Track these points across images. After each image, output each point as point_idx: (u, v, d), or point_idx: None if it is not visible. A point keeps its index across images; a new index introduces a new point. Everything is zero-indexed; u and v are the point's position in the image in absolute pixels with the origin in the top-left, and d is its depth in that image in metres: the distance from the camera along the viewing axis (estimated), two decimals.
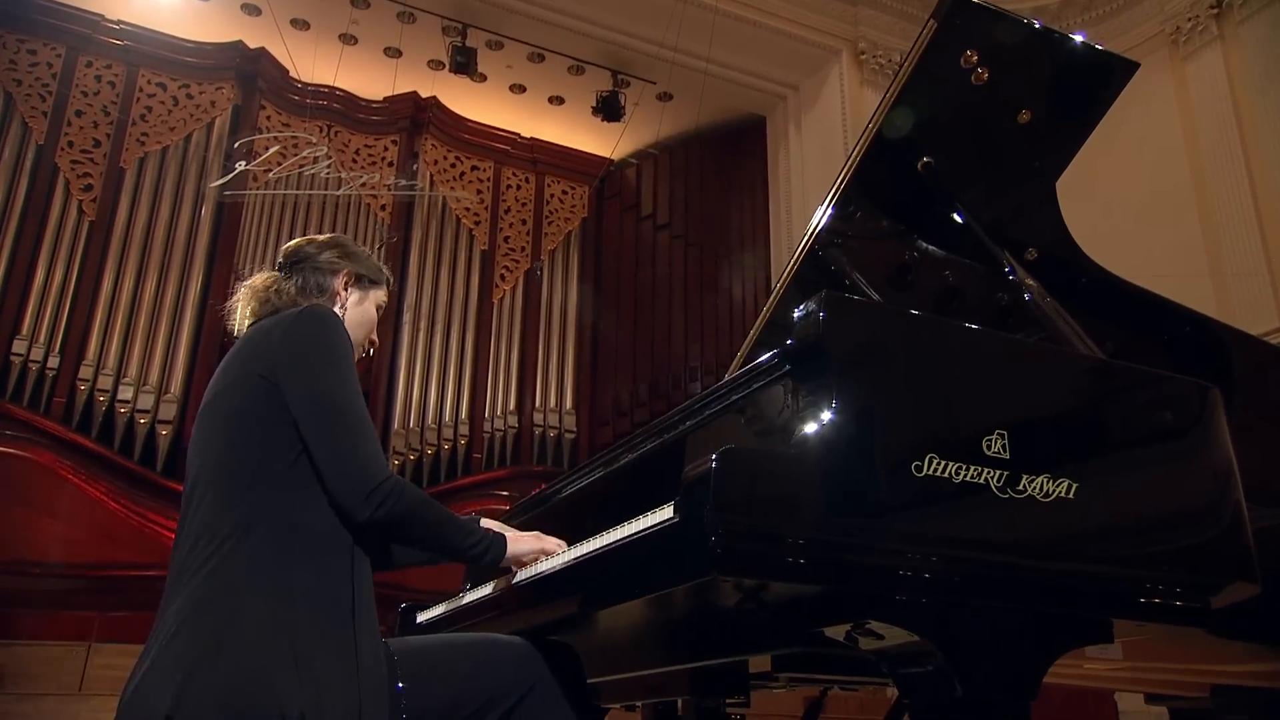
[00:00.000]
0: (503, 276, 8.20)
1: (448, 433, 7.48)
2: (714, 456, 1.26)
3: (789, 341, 1.43)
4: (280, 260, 1.80)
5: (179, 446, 6.68)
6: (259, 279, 1.77)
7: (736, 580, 1.27)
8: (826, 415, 1.33)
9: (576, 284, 8.36)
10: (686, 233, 8.43)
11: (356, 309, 1.80)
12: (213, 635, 1.35)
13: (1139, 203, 6.83)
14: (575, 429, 7.91)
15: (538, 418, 7.82)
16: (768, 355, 1.49)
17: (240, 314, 1.73)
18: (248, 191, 7.28)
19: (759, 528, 1.24)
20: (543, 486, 7.31)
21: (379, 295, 1.84)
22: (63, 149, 7.03)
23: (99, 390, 6.58)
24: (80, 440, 6.39)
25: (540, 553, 1.73)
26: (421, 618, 2.24)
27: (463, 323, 7.87)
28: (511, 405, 7.78)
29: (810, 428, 1.34)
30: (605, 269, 8.49)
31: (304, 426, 1.48)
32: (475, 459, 7.54)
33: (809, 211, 7.31)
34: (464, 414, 7.60)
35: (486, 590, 1.91)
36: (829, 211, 2.49)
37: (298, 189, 7.48)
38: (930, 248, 2.62)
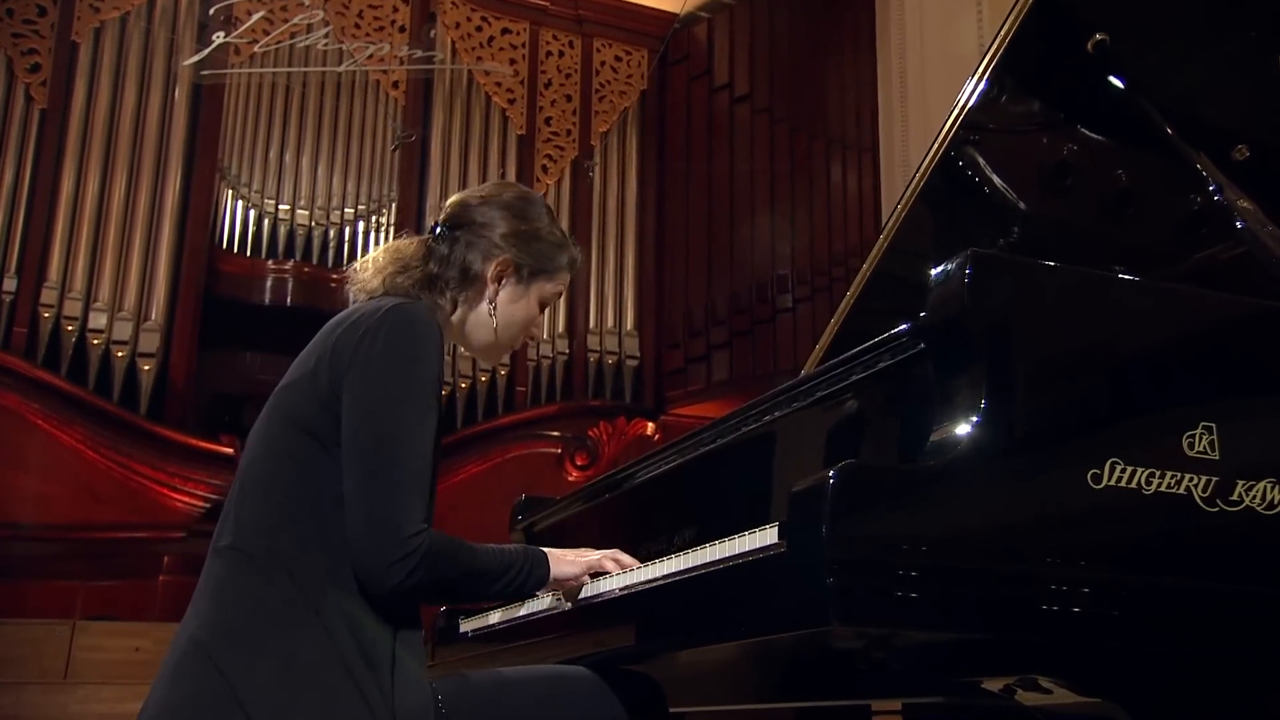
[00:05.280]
0: (545, 168, 8.12)
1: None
2: (831, 472, 1.25)
3: (923, 314, 1.39)
4: (440, 217, 1.81)
5: (165, 384, 6.83)
6: (405, 243, 1.77)
7: (860, 629, 1.24)
8: (974, 413, 1.32)
9: (635, 174, 8.25)
10: (771, 106, 8.21)
11: (509, 308, 1.77)
12: (231, 678, 1.41)
13: None
14: (638, 354, 7.91)
15: (592, 341, 7.83)
16: (899, 329, 1.44)
17: (359, 277, 1.73)
18: (229, 70, 7.25)
19: (890, 563, 1.23)
20: (599, 424, 7.28)
21: (549, 289, 1.82)
22: (0, 19, 7.04)
23: (66, 318, 6.72)
24: (48, 378, 6.55)
25: (587, 573, 1.76)
26: (466, 627, 2.28)
27: None
28: (560, 327, 7.79)
29: (954, 429, 1.33)
30: (671, 155, 8.36)
31: (346, 458, 1.50)
32: (518, 393, 7.60)
33: (927, 76, 7.12)
34: None
35: (544, 603, 1.94)
36: (969, 99, 2.42)
37: (290, 65, 7.43)
38: (1098, 139, 2.55)
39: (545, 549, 1.73)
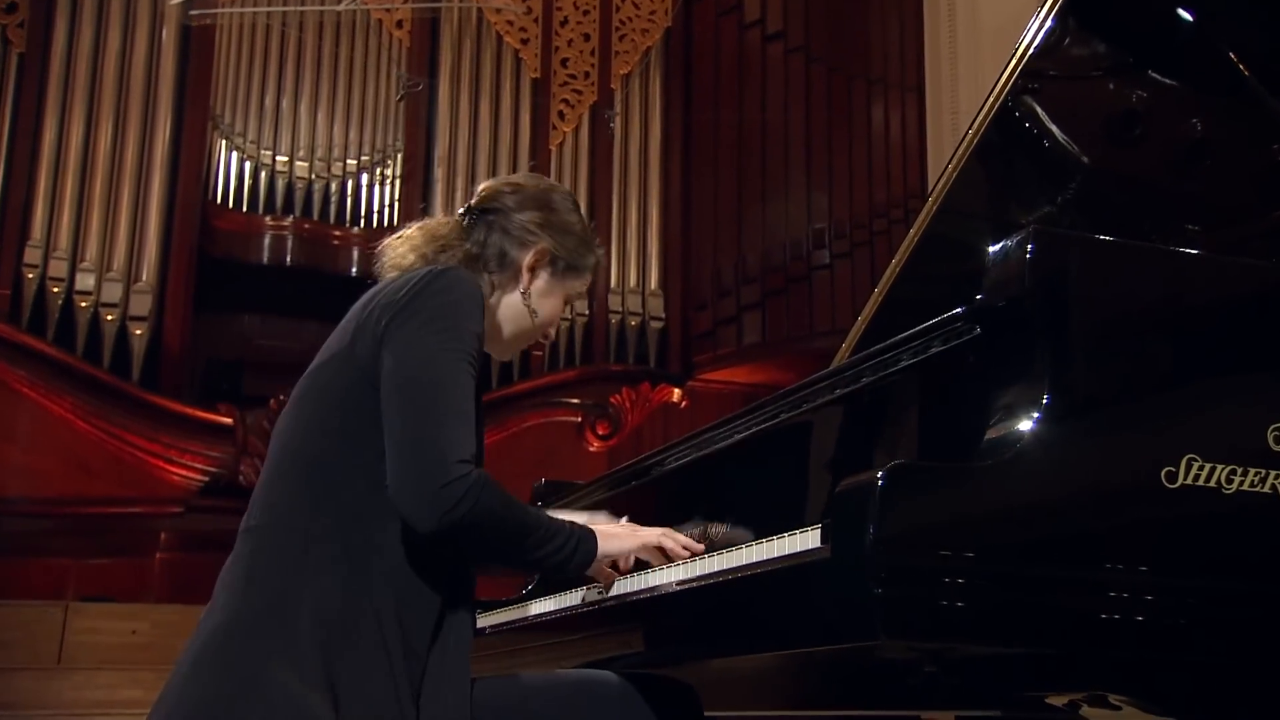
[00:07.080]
0: (561, 114, 8.09)
1: None
2: (879, 472, 1.23)
3: (979, 296, 1.38)
4: (471, 202, 1.84)
5: (158, 349, 6.87)
6: (437, 222, 1.81)
7: (910, 643, 1.23)
8: (1035, 406, 1.30)
9: (659, 120, 8.23)
10: (808, 45, 8.14)
11: (541, 300, 1.81)
12: (248, 681, 1.42)
13: None
14: (663, 315, 7.93)
15: (613, 301, 7.84)
16: (953, 312, 1.42)
17: (392, 253, 1.76)
18: (219, 10, 7.22)
19: (943, 571, 1.21)
20: (622, 390, 7.25)
21: (576, 286, 1.86)
22: None
23: (52, 279, 6.77)
24: (35, 344, 6.62)
25: (642, 551, 1.74)
26: (483, 623, 2.28)
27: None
28: None
29: (1013, 424, 1.31)
30: (698, 99, 8.32)
31: (386, 403, 1.52)
32: (534, 357, 7.63)
33: (978, 7, 6.97)
34: None
35: (568, 600, 1.94)
36: (1031, 43, 2.40)
37: (285, 4, 7.39)
38: (1171, 84, 2.52)
39: (592, 526, 1.71)
